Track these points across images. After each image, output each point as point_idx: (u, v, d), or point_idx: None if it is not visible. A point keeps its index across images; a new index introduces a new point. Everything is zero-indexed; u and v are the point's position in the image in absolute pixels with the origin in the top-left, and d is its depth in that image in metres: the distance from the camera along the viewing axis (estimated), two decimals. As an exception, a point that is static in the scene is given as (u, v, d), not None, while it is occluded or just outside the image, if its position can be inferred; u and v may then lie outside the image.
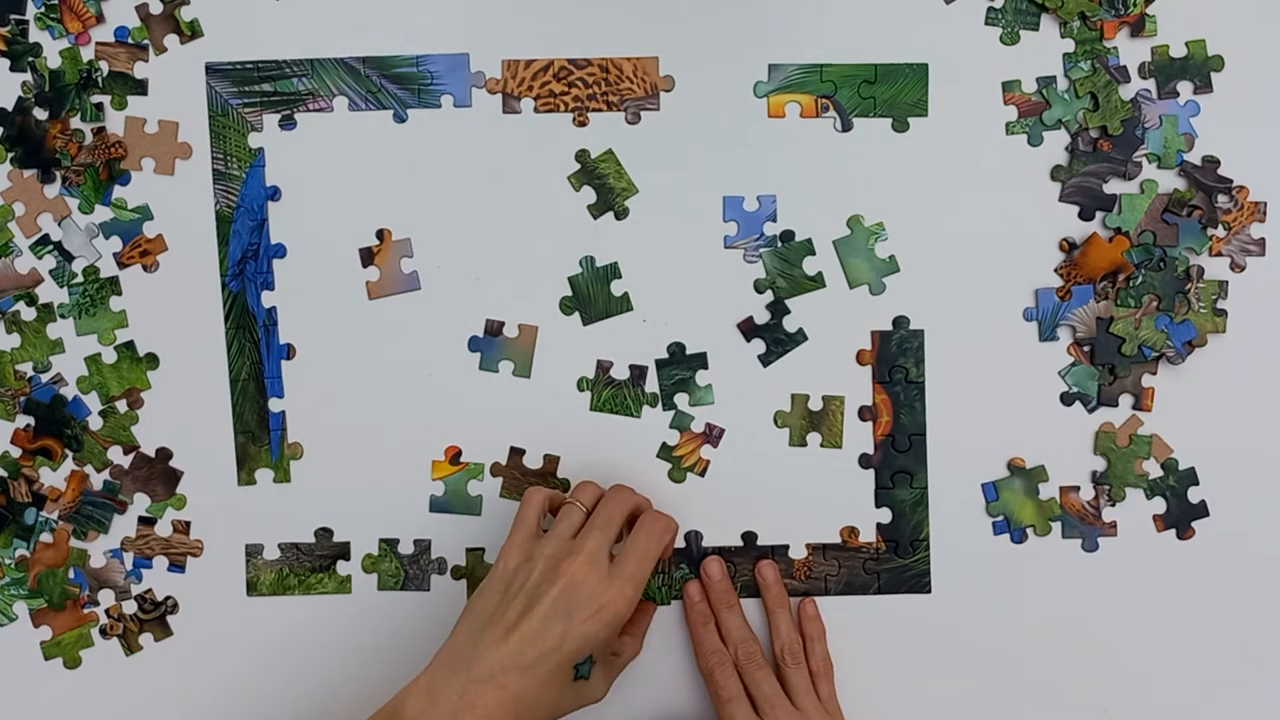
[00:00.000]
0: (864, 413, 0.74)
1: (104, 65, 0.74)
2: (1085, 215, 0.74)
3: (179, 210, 0.74)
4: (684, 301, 0.74)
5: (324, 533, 0.74)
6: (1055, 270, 0.74)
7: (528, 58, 0.74)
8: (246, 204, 0.74)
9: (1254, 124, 0.74)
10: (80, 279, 0.74)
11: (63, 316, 0.74)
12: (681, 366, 0.74)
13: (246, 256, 0.74)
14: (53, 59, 0.74)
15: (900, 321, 0.74)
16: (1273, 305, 0.74)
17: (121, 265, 0.74)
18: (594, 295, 0.74)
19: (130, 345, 0.74)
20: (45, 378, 0.74)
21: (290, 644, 0.74)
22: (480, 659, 0.61)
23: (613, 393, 0.74)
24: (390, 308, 0.74)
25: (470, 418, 0.74)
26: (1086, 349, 0.74)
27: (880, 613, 0.74)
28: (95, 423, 0.74)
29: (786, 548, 0.74)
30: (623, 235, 0.74)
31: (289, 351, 0.74)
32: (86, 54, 0.74)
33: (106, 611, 0.74)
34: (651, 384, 0.74)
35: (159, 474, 0.74)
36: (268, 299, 0.74)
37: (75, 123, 0.74)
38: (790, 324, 0.74)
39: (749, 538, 0.74)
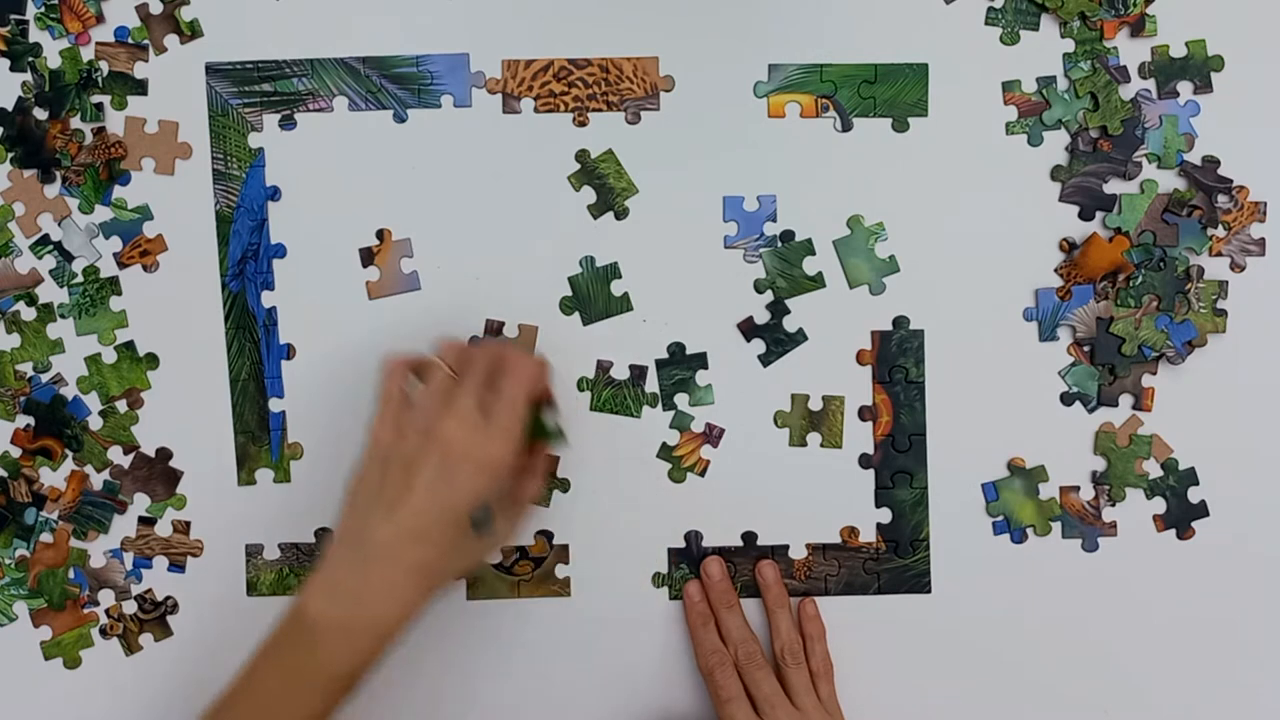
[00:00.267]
0: (864, 413, 0.74)
1: (104, 65, 0.74)
2: (1085, 215, 0.74)
3: (179, 210, 0.74)
4: (684, 301, 0.74)
5: (324, 533, 0.74)
6: (1055, 270, 0.74)
7: (528, 58, 0.74)
8: (246, 204, 0.74)
9: (1254, 124, 0.74)
10: (80, 279, 0.74)
11: (63, 316, 0.74)
12: (681, 366, 0.74)
13: (246, 256, 0.74)
14: (53, 59, 0.74)
15: (900, 321, 0.74)
16: (1273, 305, 0.74)
17: (121, 265, 0.74)
18: (594, 295, 0.74)
19: (130, 345, 0.74)
20: (45, 378, 0.74)
21: (290, 644, 0.74)
22: (370, 539, 0.60)
23: (613, 393, 0.74)
24: (390, 308, 0.74)
25: (470, 418, 0.74)
26: (1086, 349, 0.74)
27: (880, 613, 0.74)
28: (95, 423, 0.74)
29: (786, 548, 0.74)
30: (623, 235, 0.74)
31: (289, 351, 0.74)
32: (86, 54, 0.74)
33: (106, 611, 0.74)
34: (651, 384, 0.74)
35: (159, 474, 0.74)
36: (268, 299, 0.74)
37: (75, 123, 0.74)
38: (790, 324, 0.74)
39: (749, 538, 0.74)
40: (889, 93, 0.74)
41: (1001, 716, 0.74)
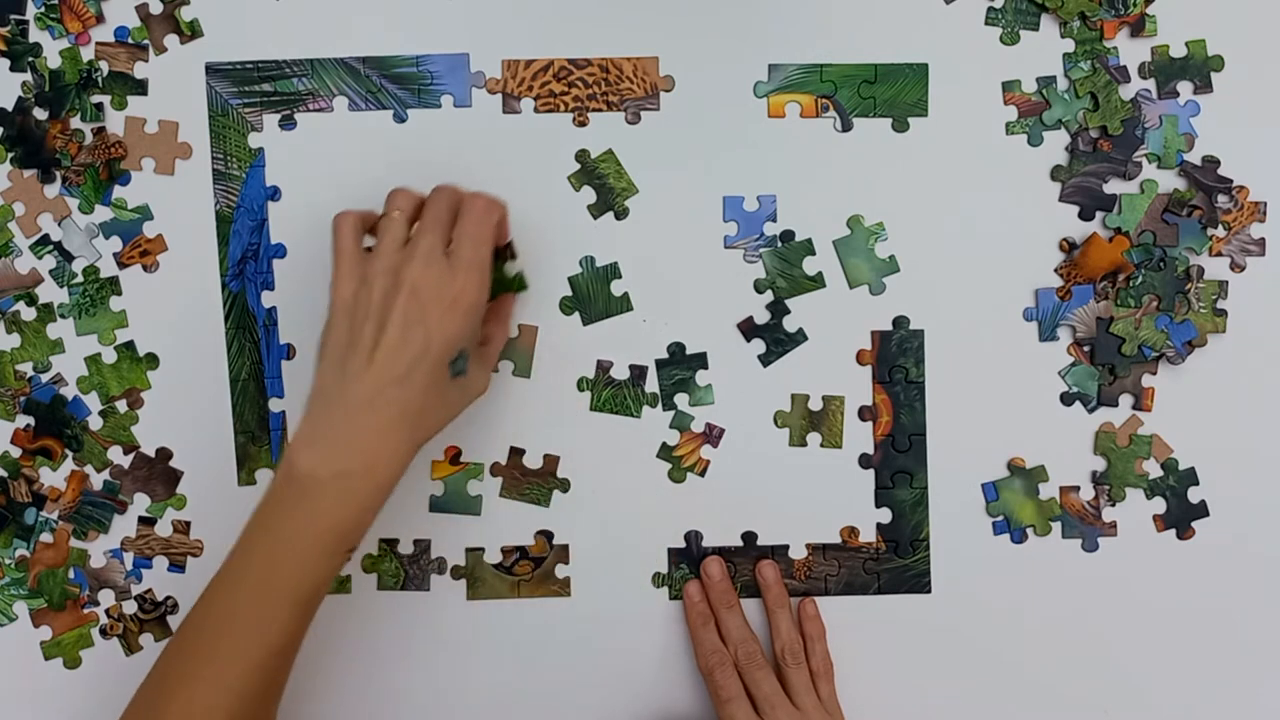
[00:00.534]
0: (864, 413, 0.74)
1: (104, 65, 0.74)
2: (1085, 215, 0.74)
3: (179, 210, 0.74)
4: (684, 301, 0.74)
5: (324, 533, 0.74)
6: (1055, 270, 0.74)
7: (528, 58, 0.74)
8: (246, 204, 0.74)
9: (1254, 124, 0.74)
10: (80, 279, 0.74)
11: (63, 316, 0.74)
12: (681, 366, 0.74)
13: (246, 256, 0.74)
14: (53, 59, 0.74)
15: (900, 321, 0.74)
16: (1273, 305, 0.74)
17: (121, 265, 0.74)
18: (594, 295, 0.74)
19: (130, 345, 0.74)
20: (45, 378, 0.74)
21: (290, 644, 0.74)
22: (351, 389, 0.60)
23: (613, 393, 0.74)
24: (390, 308, 0.74)
25: (470, 418, 0.74)
26: (1086, 349, 0.74)
27: (880, 613, 0.74)
28: (95, 423, 0.74)
29: (786, 548, 0.74)
30: (623, 235, 0.74)
31: (289, 351, 0.74)
32: (86, 54, 0.74)
33: (106, 611, 0.74)
34: (651, 384, 0.74)
35: (159, 474, 0.74)
36: (268, 299, 0.74)
37: (75, 123, 0.74)
38: (790, 324, 0.74)
39: (749, 538, 0.74)
40: (889, 93, 0.74)
41: (1001, 716, 0.74)
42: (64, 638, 0.74)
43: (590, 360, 0.74)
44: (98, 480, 0.74)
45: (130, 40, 0.74)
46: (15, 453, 0.74)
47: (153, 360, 0.74)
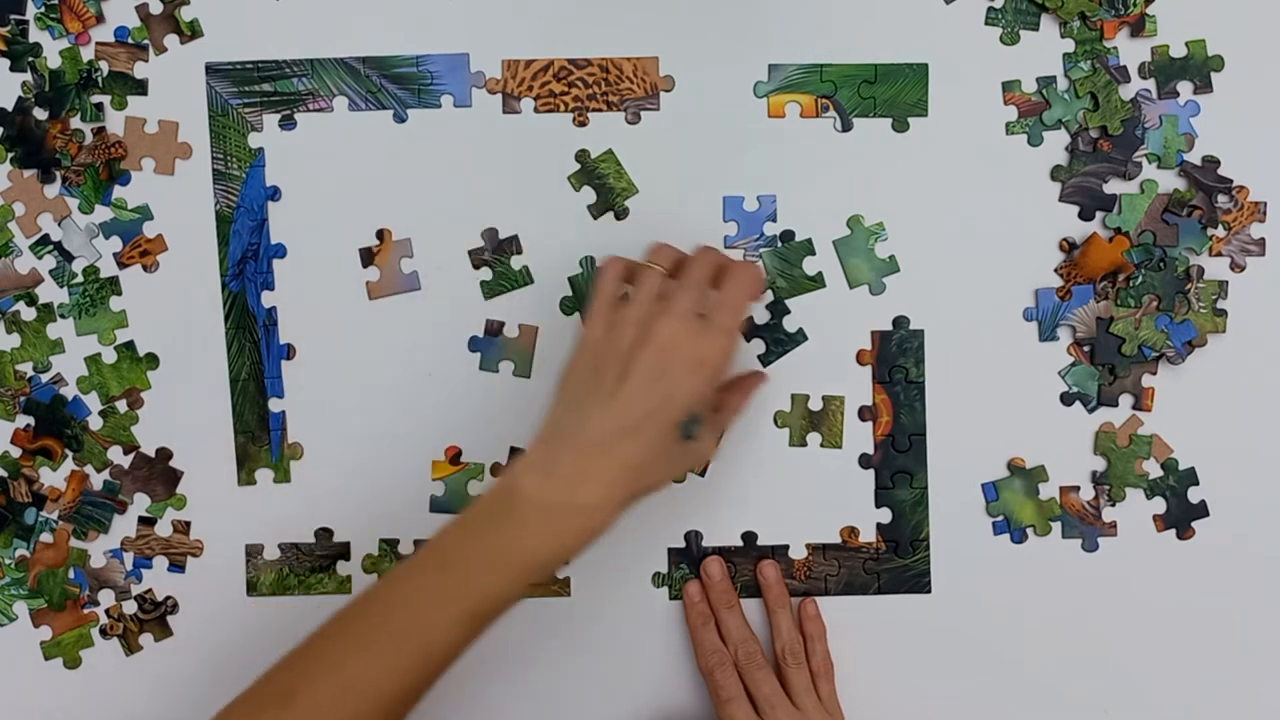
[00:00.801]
0: (864, 413, 0.74)
1: (104, 65, 0.74)
2: (1085, 215, 0.74)
3: (179, 210, 0.74)
4: (684, 301, 0.74)
5: (324, 533, 0.74)
6: (1055, 270, 0.74)
7: (528, 58, 0.74)
8: (246, 204, 0.74)
9: (1254, 124, 0.74)
10: (80, 279, 0.74)
11: (63, 316, 0.74)
12: (681, 366, 0.74)
13: (246, 256, 0.74)
14: (53, 59, 0.74)
15: (900, 321, 0.74)
16: (1273, 305, 0.74)
17: (121, 265, 0.74)
18: (594, 295, 0.74)
19: (130, 345, 0.74)
20: (45, 378, 0.74)
21: (290, 644, 0.74)
22: (586, 429, 0.60)
23: (613, 393, 0.74)
24: (390, 308, 0.74)
25: (470, 418, 0.74)
26: (1086, 349, 0.74)
27: (880, 613, 0.74)
28: (95, 423, 0.74)
29: (786, 548, 0.74)
30: (623, 235, 0.74)
31: (289, 351, 0.74)
32: (86, 54, 0.74)
33: (106, 611, 0.74)
34: (651, 384, 0.74)
35: (159, 474, 0.74)
36: (268, 299, 0.74)
37: (75, 123, 0.74)
38: (790, 324, 0.74)
39: (749, 538, 0.74)
40: (889, 93, 0.74)
41: (1001, 716, 0.74)
42: (64, 638, 0.74)
43: (590, 360, 0.74)
44: (98, 480, 0.74)
45: (130, 40, 0.74)
46: (15, 453, 0.74)
47: (153, 360, 0.74)
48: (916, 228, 0.74)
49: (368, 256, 0.74)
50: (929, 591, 0.74)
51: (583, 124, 0.74)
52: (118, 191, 0.74)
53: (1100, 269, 0.74)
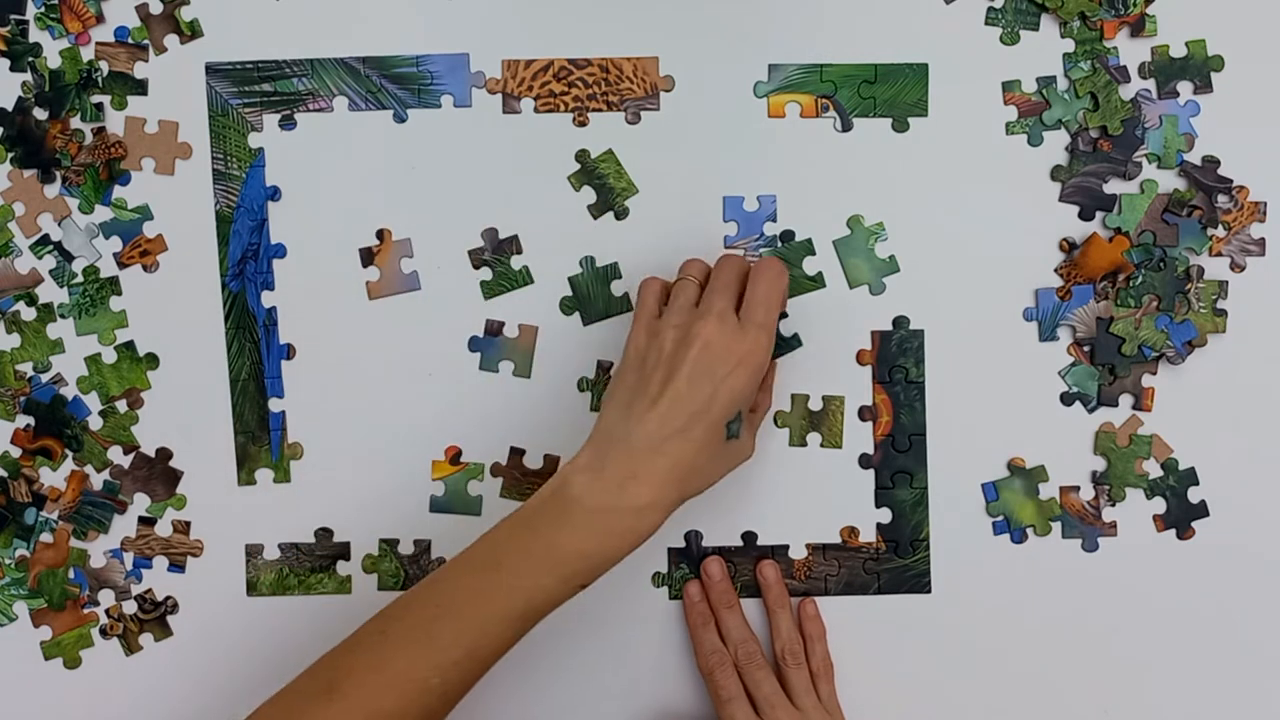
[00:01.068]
0: (864, 413, 0.74)
1: (104, 65, 0.74)
2: (1085, 215, 0.74)
3: (179, 210, 0.74)
4: (684, 301, 0.74)
5: (324, 533, 0.74)
6: (1055, 270, 0.74)
7: (528, 58, 0.74)
8: (246, 204, 0.74)
9: (1254, 124, 0.74)
10: (80, 279, 0.74)
11: (63, 316, 0.74)
12: (681, 366, 0.74)
13: (246, 256, 0.74)
14: (53, 59, 0.74)
15: (900, 321, 0.74)
16: (1273, 305, 0.74)
17: (121, 265, 0.74)
18: (594, 295, 0.74)
19: (130, 345, 0.74)
20: (45, 378, 0.74)
21: (290, 644, 0.74)
22: (635, 431, 0.61)
23: (613, 393, 0.74)
24: (390, 308, 0.74)
25: (470, 418, 0.74)
26: (1086, 349, 0.74)
27: (880, 613, 0.74)
28: (95, 423, 0.74)
29: (786, 548, 0.74)
30: (623, 235, 0.74)
31: (289, 351, 0.74)
32: (86, 54, 0.74)
33: (106, 611, 0.74)
34: (651, 384, 0.74)
35: (159, 474, 0.74)
36: (268, 299, 0.74)
37: (75, 123, 0.74)
38: (786, 328, 0.74)
39: (749, 538, 0.74)
40: (889, 93, 0.74)
41: (1001, 716, 0.74)
42: (64, 638, 0.74)
43: (590, 360, 0.74)
44: (98, 480, 0.74)
45: (130, 40, 0.74)
46: (15, 453, 0.74)
47: (153, 360, 0.74)
48: (916, 228, 0.74)
49: (368, 256, 0.74)
50: (929, 591, 0.74)
51: (583, 124, 0.74)
52: (118, 191, 0.74)
53: (1100, 269, 0.74)
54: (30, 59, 0.74)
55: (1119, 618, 0.74)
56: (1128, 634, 0.74)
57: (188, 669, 0.74)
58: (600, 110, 0.74)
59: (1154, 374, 0.74)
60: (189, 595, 0.74)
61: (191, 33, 0.74)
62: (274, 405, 0.74)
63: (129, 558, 0.74)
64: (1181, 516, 0.74)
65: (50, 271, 0.74)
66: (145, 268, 0.74)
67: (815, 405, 0.74)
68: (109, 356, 0.74)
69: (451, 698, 0.61)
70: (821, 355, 0.74)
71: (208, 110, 0.74)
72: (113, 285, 0.74)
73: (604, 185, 0.74)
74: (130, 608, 0.74)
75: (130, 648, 0.74)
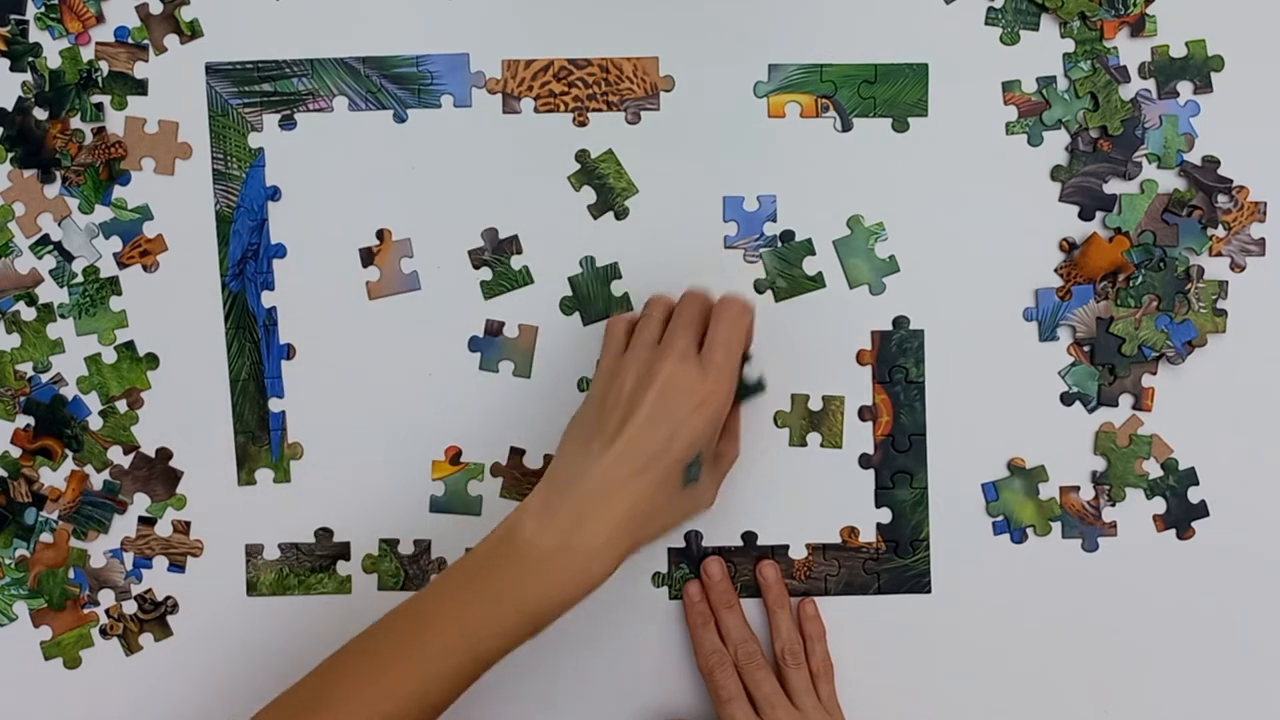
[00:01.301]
0: (864, 413, 0.74)
1: (104, 65, 0.74)
2: (1085, 215, 0.74)
3: (179, 210, 0.74)
4: (684, 301, 0.74)
5: (324, 533, 0.74)
6: (1055, 270, 0.74)
7: (528, 58, 0.74)
8: (246, 204, 0.74)
9: (1254, 124, 0.74)
10: (80, 279, 0.74)
11: (63, 316, 0.74)
12: (681, 366, 0.74)
13: (246, 256, 0.74)
14: (53, 59, 0.74)
15: (900, 321, 0.74)
16: (1273, 305, 0.74)
17: (121, 265, 0.74)
18: (594, 295, 0.74)
19: (130, 345, 0.74)
20: (45, 378, 0.74)
21: (290, 644, 0.74)
22: (590, 472, 0.60)
23: (613, 393, 0.74)
24: (390, 308, 0.74)
25: (470, 418, 0.74)
26: (1086, 349, 0.74)
27: (880, 613, 0.74)
28: (95, 423, 0.74)
29: (786, 548, 0.74)
30: (623, 235, 0.74)
31: (289, 351, 0.74)
32: (86, 54, 0.74)
33: (106, 611, 0.74)
34: (651, 384, 0.74)
35: (159, 474, 0.74)
36: (268, 299, 0.74)
37: (75, 123, 0.74)
38: (751, 371, 0.68)
39: (749, 538, 0.74)
40: (889, 93, 0.74)
41: (1001, 716, 0.74)
42: (64, 638, 0.74)
43: (590, 360, 0.74)
44: (98, 480, 0.74)
45: (130, 40, 0.74)
46: (15, 453, 0.74)
47: (153, 360, 0.74)
48: (916, 228, 0.74)
49: (368, 256, 0.74)
50: (929, 591, 0.74)
51: (583, 124, 0.74)
52: (118, 191, 0.74)
53: (1100, 269, 0.74)
54: (30, 59, 0.74)
55: (1119, 618, 0.74)
56: (1128, 634, 0.74)
57: (188, 669, 0.74)
58: (600, 110, 0.74)
59: (1154, 374, 0.74)
60: (189, 595, 0.74)
61: (191, 33, 0.74)
62: (274, 405, 0.74)
63: (129, 558, 0.74)
64: (1181, 516, 0.74)
65: (50, 271, 0.74)
66: (145, 268, 0.74)
67: (815, 405, 0.74)
68: (109, 356, 0.74)
69: None
70: (821, 355, 0.74)
71: (208, 110, 0.74)
72: (113, 285, 0.74)
73: (604, 185, 0.74)
74: (130, 608, 0.74)
75: (130, 648, 0.74)
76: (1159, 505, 0.74)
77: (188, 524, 0.74)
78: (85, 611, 0.74)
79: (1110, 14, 0.74)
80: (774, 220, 0.74)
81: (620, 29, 0.74)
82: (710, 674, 0.71)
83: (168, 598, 0.74)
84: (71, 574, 0.74)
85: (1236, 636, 0.74)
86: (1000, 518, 0.74)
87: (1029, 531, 0.74)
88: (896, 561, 0.74)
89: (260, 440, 0.74)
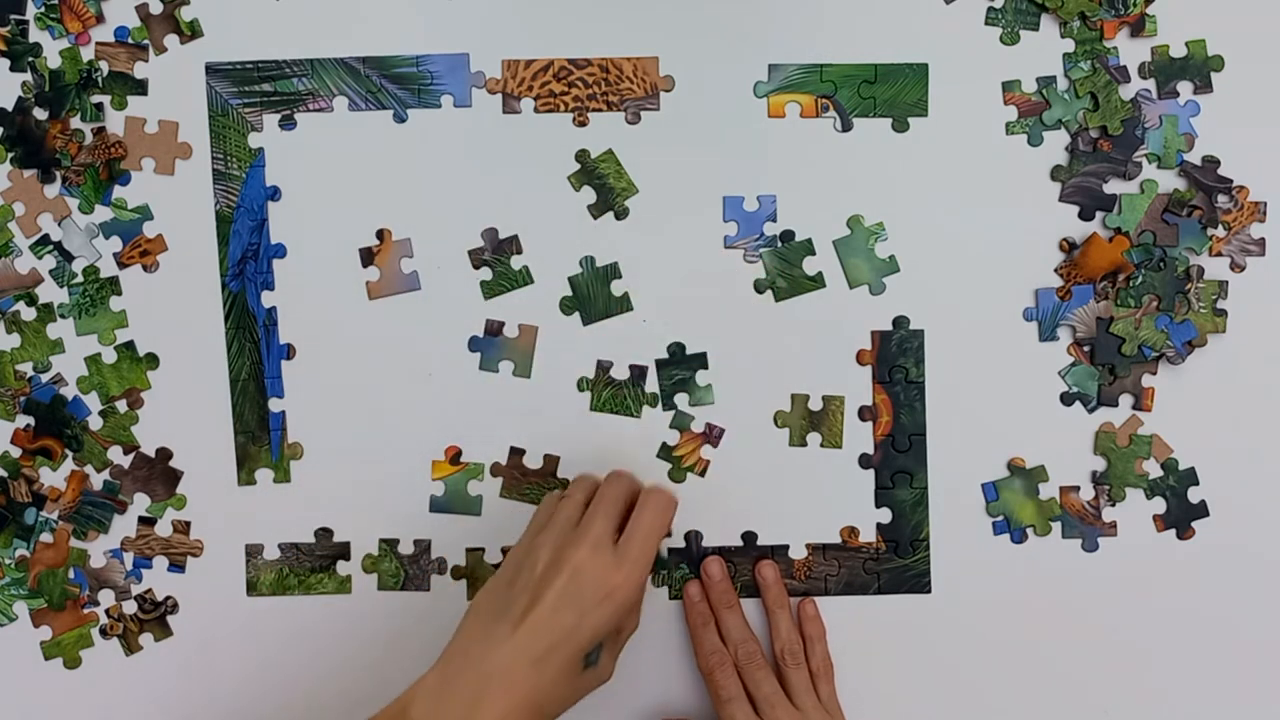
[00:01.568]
0: (864, 413, 0.74)
1: (104, 65, 0.74)
2: (1085, 215, 0.74)
3: (179, 210, 0.74)
4: (684, 301, 0.74)
5: (324, 533, 0.74)
6: (1055, 270, 0.74)
7: (528, 58, 0.74)
8: (246, 204, 0.74)
9: (1254, 124, 0.74)
10: (80, 279, 0.74)
11: (63, 316, 0.74)
12: (681, 366, 0.74)
13: (246, 256, 0.74)
14: (53, 59, 0.74)
15: (900, 321, 0.74)
16: (1273, 305, 0.74)
17: (121, 265, 0.74)
18: (594, 295, 0.74)
19: (130, 345, 0.74)
20: (45, 378, 0.74)
21: (290, 644, 0.74)
22: (490, 655, 0.59)
23: (613, 393, 0.74)
24: (390, 308, 0.74)
25: (470, 418, 0.74)
26: (1086, 349, 0.74)
27: (880, 613, 0.74)
28: (95, 423, 0.74)
29: (786, 548, 0.74)
30: (623, 235, 0.74)
31: (289, 351, 0.74)
32: (86, 54, 0.74)
33: (106, 611, 0.74)
34: (651, 384, 0.74)
35: (159, 474, 0.74)
36: (268, 299, 0.74)
37: (75, 123, 0.74)
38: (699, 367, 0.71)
39: (749, 538, 0.74)
40: (889, 93, 0.74)
41: (1001, 716, 0.74)
42: (64, 638, 0.74)
43: (590, 360, 0.74)
44: (98, 480, 0.74)
45: (130, 40, 0.74)
46: (15, 453, 0.74)
47: (153, 360, 0.74)
48: (916, 228, 0.74)
49: (368, 256, 0.74)
50: (929, 591, 0.74)
51: (583, 124, 0.74)
52: (118, 191, 0.74)
53: (1100, 269, 0.74)
54: (30, 59, 0.74)
55: (1119, 618, 0.74)
56: (1128, 634, 0.74)
57: (188, 669, 0.74)
58: (600, 110, 0.74)
59: (1154, 374, 0.74)
60: (189, 595, 0.74)
61: (191, 33, 0.74)
62: (274, 405, 0.74)
63: (129, 558, 0.74)
64: (1181, 516, 0.74)
65: (50, 271, 0.74)
66: (145, 268, 0.74)
67: (815, 405, 0.74)
68: (109, 356, 0.74)
69: None
70: (821, 355, 0.74)
71: (208, 110, 0.74)
72: (113, 285, 0.74)
73: (604, 185, 0.74)
74: (130, 608, 0.74)
75: (130, 648, 0.74)
76: (1159, 505, 0.74)
77: (188, 524, 0.74)
78: (85, 611, 0.74)
79: (1110, 14, 0.74)
80: (774, 220, 0.74)
81: (620, 29, 0.74)
82: (710, 674, 0.71)
83: (168, 598, 0.74)
84: (71, 574, 0.74)
85: (1236, 636, 0.74)
86: (1000, 518, 0.74)
87: (1029, 531, 0.74)
88: (896, 561, 0.74)
89: (260, 440, 0.74)
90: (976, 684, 0.74)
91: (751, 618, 0.74)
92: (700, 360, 0.74)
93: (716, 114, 0.74)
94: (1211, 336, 0.73)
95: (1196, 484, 0.74)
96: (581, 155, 0.74)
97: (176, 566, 0.74)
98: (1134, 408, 0.74)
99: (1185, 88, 0.74)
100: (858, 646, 0.74)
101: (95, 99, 0.74)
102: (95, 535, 0.74)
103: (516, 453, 0.74)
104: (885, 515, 0.74)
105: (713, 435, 0.74)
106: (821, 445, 0.74)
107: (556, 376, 0.74)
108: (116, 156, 0.74)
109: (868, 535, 0.74)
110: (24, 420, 0.74)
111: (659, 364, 0.74)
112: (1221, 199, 0.73)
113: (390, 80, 0.74)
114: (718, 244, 0.74)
